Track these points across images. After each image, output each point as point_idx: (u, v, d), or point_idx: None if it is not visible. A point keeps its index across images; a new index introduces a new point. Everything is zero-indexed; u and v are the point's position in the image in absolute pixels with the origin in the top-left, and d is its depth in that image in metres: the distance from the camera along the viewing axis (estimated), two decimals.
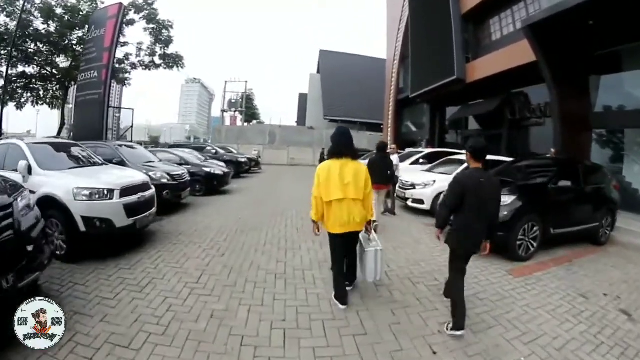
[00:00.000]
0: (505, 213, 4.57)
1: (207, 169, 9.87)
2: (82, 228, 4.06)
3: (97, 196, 4.22)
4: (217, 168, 10.37)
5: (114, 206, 4.35)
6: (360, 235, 3.46)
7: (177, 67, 16.95)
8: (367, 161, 6.20)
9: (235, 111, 36.82)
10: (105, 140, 10.81)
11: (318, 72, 44.61)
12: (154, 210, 5.11)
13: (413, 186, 7.98)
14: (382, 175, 6.19)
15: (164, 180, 6.93)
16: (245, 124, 36.63)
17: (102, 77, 11.26)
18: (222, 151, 15.81)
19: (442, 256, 4.46)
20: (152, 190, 5.13)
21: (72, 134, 13.01)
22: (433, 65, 16.11)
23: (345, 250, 3.31)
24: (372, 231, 3.53)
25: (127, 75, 17.97)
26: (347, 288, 3.42)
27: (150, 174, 6.71)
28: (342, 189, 3.06)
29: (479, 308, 3.35)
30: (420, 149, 15.41)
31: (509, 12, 13.74)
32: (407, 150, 14.91)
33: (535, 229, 4.88)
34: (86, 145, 8.03)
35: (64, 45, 15.04)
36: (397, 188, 8.28)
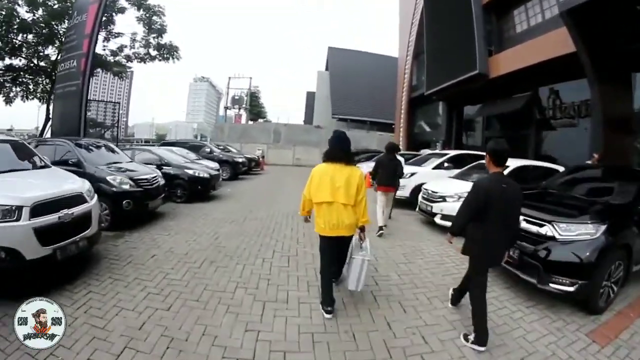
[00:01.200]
0: (588, 253, 3.27)
1: (191, 171, 8.66)
2: None
3: None
4: (204, 170, 9.17)
5: (21, 230, 3.15)
6: (353, 241, 3.48)
7: (173, 58, 15.89)
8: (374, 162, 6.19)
9: (239, 108, 35.39)
10: (83, 136, 9.70)
11: (326, 69, 43.30)
12: (90, 232, 3.88)
13: (443, 198, 6.51)
14: (389, 177, 6.14)
15: (125, 187, 5.73)
16: (250, 122, 35.21)
17: (80, 67, 10.16)
18: (217, 150, 14.65)
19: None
20: (87, 205, 3.88)
21: (51, 130, 11.93)
22: (451, 60, 14.71)
23: (333, 254, 3.36)
24: (366, 239, 3.45)
25: (122, 68, 16.91)
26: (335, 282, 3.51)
27: (108, 178, 5.54)
28: (332, 193, 3.10)
29: None
30: (436, 151, 14.14)
31: (536, 1, 12.34)
32: (424, 152, 13.60)
33: (620, 268, 3.61)
34: (44, 142, 7.01)
35: (49, 35, 14.00)
36: (420, 199, 7.24)
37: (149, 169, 6.95)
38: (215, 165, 10.82)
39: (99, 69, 16.41)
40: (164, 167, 8.31)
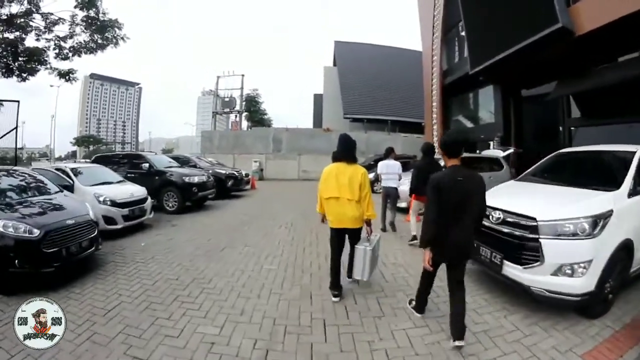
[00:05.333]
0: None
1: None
2: None
3: None
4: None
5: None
6: (362, 234, 3.86)
7: (115, 40, 12.54)
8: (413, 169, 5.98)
9: (229, 112, 31.01)
10: None
11: (334, 66, 39.66)
12: None
13: (556, 232, 3.27)
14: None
15: None
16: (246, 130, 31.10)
17: None
18: (168, 165, 10.32)
19: None
20: None
21: None
22: (508, 23, 10.72)
23: (341, 244, 3.84)
24: (372, 232, 3.91)
25: (67, 62, 13.41)
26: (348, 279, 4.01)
27: None
28: (338, 189, 3.62)
29: None
30: (499, 150, 10.20)
31: None
32: (490, 152, 9.84)
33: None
34: None
35: None
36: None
37: None
38: (139, 191, 7.08)
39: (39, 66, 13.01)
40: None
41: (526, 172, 5.36)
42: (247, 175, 15.67)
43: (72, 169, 7.01)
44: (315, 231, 6.63)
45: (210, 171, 11.99)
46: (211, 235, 6.28)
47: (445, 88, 17.91)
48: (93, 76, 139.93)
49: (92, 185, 6.74)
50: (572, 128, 10.79)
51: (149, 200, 7.27)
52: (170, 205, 8.75)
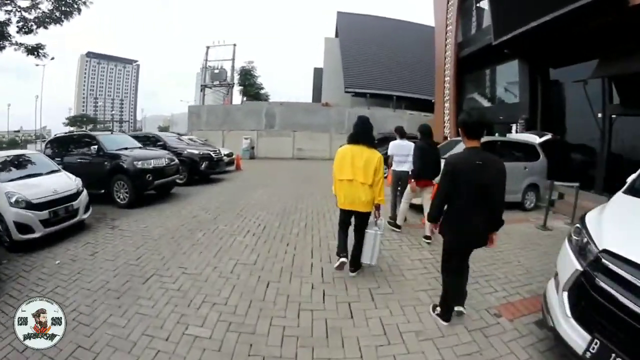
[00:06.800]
0: None
1: None
2: None
3: None
4: None
5: None
6: (370, 219, 3.79)
7: (77, 5, 11.22)
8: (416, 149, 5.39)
9: (220, 85, 28.43)
10: None
11: (336, 37, 37.26)
12: None
13: None
14: (432, 167, 5.26)
15: None
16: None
17: None
18: (122, 147, 8.48)
19: None
20: None
21: None
22: None
23: (348, 224, 3.87)
24: (380, 216, 3.87)
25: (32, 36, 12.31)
26: (352, 274, 3.84)
27: None
28: (353, 171, 3.60)
29: None
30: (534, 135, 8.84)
31: None
32: (524, 136, 8.50)
33: None
34: None
35: None
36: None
37: None
38: (66, 185, 5.59)
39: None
40: None
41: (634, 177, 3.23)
42: (229, 154, 14.10)
43: None
44: (306, 245, 4.88)
45: (186, 152, 10.47)
46: (146, 249, 4.65)
47: (460, 62, 16.06)
48: (90, 55, 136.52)
49: (12, 180, 5.20)
50: (613, 116, 9.16)
51: (84, 194, 5.71)
52: (121, 197, 7.21)
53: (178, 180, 9.29)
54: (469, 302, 3.24)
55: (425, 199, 5.33)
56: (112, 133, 10.04)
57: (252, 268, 4.02)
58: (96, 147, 7.60)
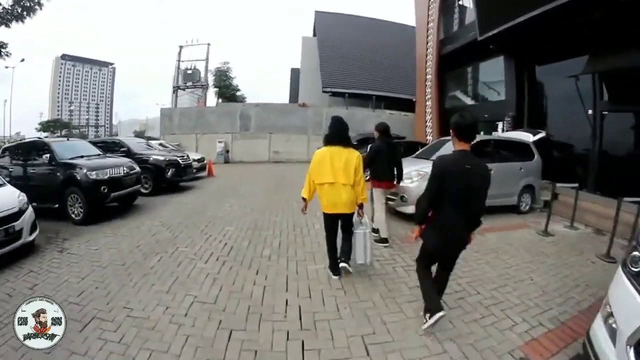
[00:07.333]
0: None
1: None
2: None
3: None
4: None
5: None
6: (354, 219, 3.77)
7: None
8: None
9: (193, 85, 26.83)
10: None
11: (314, 36, 36.62)
12: None
13: None
14: (390, 168, 4.97)
15: None
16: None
17: None
18: (78, 155, 7.49)
19: None
20: None
21: None
22: None
23: (335, 228, 3.78)
24: (364, 215, 3.81)
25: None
26: (344, 264, 3.70)
27: None
28: (333, 173, 3.52)
29: None
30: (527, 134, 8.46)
31: None
32: (517, 134, 8.59)
33: None
34: None
35: None
36: None
37: None
38: (7, 202, 4.63)
39: None
40: None
41: None
42: (200, 159, 13.14)
43: None
44: (278, 273, 4.00)
45: (152, 158, 9.52)
46: (92, 280, 3.74)
47: (442, 60, 15.67)
48: (65, 57, 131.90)
49: None
50: (605, 112, 8.83)
51: (29, 212, 4.78)
52: (76, 212, 6.25)
53: (143, 190, 8.63)
54: (487, 344, 2.68)
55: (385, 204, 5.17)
56: (68, 139, 8.98)
57: (212, 308, 3.16)
58: (48, 155, 6.65)
